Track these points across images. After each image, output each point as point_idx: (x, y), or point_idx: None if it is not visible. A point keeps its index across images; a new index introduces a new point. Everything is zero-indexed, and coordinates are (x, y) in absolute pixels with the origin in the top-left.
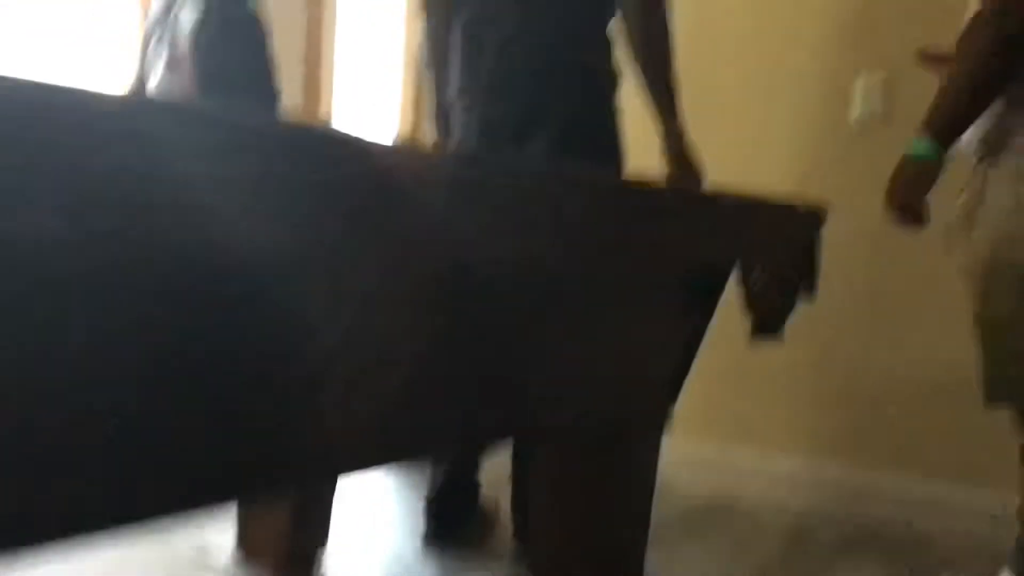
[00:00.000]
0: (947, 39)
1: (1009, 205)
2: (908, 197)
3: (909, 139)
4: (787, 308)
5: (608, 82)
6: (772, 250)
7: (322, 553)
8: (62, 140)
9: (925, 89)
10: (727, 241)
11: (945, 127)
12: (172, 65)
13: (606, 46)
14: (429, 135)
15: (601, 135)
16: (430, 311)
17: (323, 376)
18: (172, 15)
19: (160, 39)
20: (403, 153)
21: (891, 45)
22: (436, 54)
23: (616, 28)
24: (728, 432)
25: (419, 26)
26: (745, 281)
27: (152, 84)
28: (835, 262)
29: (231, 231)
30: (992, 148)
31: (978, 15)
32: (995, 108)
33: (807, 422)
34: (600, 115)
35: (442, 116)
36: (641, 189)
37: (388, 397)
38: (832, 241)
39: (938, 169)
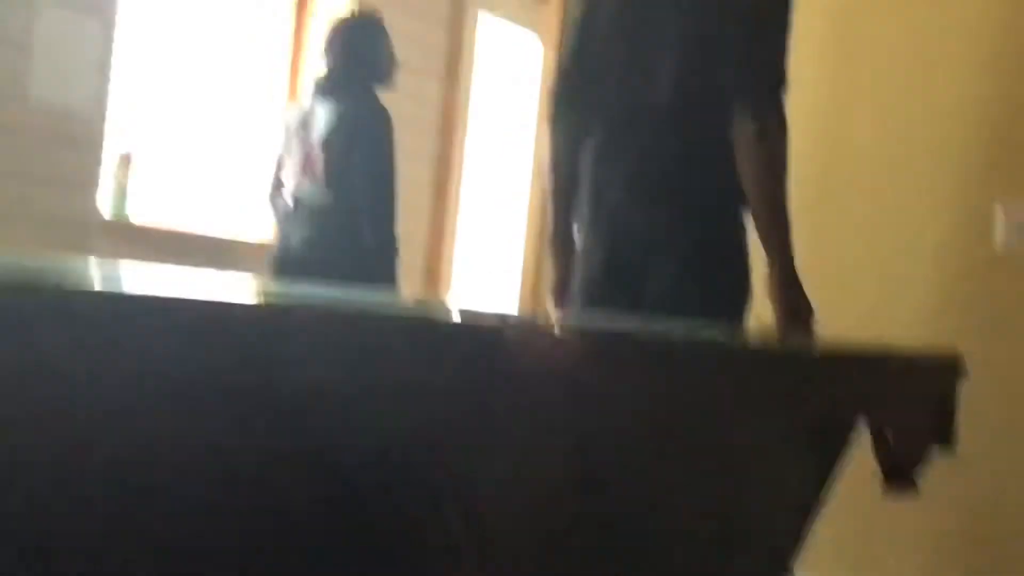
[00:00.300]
0: None
1: None
2: None
3: None
4: (921, 462)
5: (734, 207)
6: (901, 404)
7: None
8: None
9: None
10: (852, 396)
11: None
12: (305, 167)
13: (733, 171)
14: (550, 257)
15: (723, 269)
16: (563, 488)
17: (455, 555)
18: (307, 120)
19: (297, 143)
20: (526, 336)
21: None
22: (561, 180)
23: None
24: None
25: (546, 149)
26: (875, 434)
27: (286, 179)
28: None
29: (367, 421)
30: None
31: None
32: None
33: (938, 560)
34: (723, 246)
35: (564, 242)
36: (766, 351)
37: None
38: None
39: None
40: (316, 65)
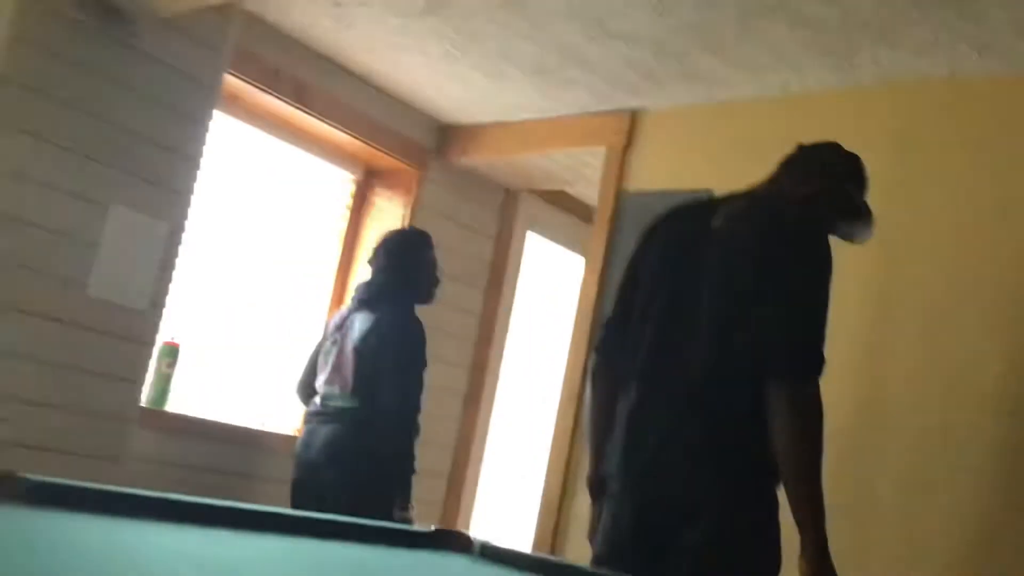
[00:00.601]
0: None
1: None
2: None
3: None
4: None
5: (765, 478)
6: None
7: None
8: None
9: None
10: None
11: None
12: (337, 367)
13: (763, 441)
14: (590, 500)
15: (751, 539)
16: None
17: None
18: (345, 326)
19: (332, 345)
20: None
21: None
22: (598, 433)
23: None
24: None
25: (587, 400)
26: None
27: (318, 383)
28: None
29: None
30: None
31: None
32: None
33: None
34: (753, 516)
35: (597, 485)
36: None
37: None
38: None
39: None
40: (363, 273)
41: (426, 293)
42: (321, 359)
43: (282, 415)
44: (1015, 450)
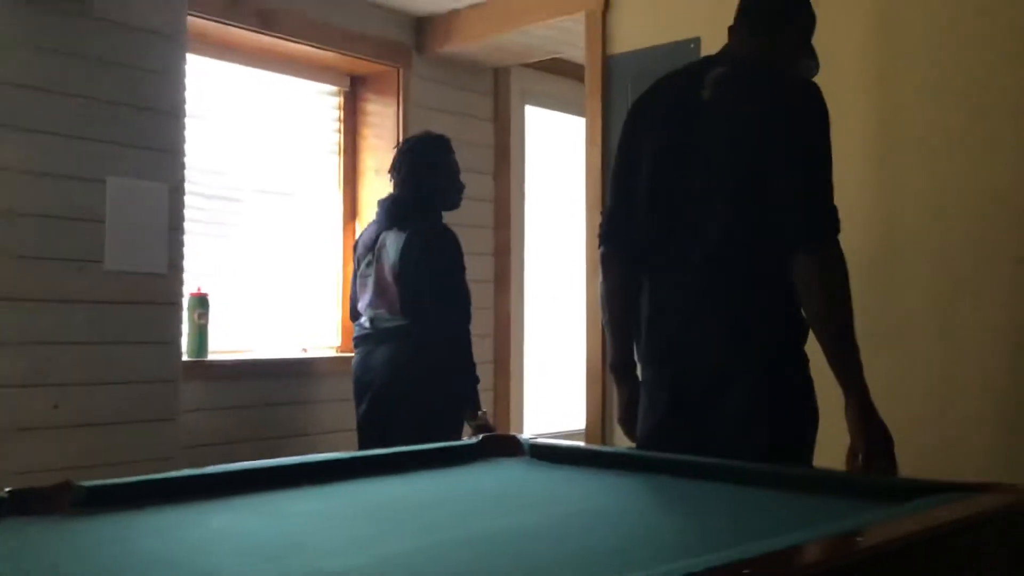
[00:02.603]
0: None
1: None
2: None
3: None
4: None
5: (792, 341)
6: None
7: None
8: None
9: None
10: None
11: None
12: (379, 291)
13: (787, 303)
14: (615, 386)
15: (788, 401)
16: None
17: None
18: (376, 248)
19: (367, 267)
20: None
21: None
22: (617, 313)
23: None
24: None
25: (598, 285)
26: None
27: (362, 305)
28: None
29: None
30: None
31: None
32: None
33: None
34: (787, 378)
35: (620, 369)
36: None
37: None
38: None
39: None
40: (372, 184)
41: (452, 200)
42: (359, 282)
43: (319, 339)
44: None
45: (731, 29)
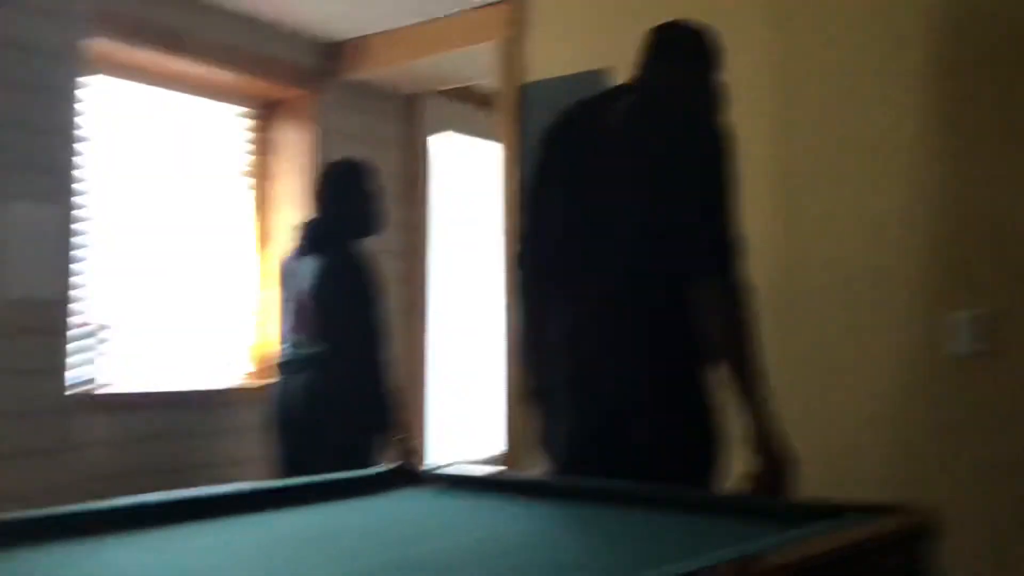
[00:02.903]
0: None
1: None
2: None
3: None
4: None
5: (698, 369)
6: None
7: None
8: None
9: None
10: None
11: None
12: (299, 316)
13: (690, 333)
14: (532, 414)
15: (697, 425)
16: None
17: None
18: (298, 272)
19: (289, 292)
20: None
21: (988, 280)
22: (529, 341)
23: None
24: None
25: (515, 314)
26: None
27: (285, 331)
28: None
29: None
30: None
31: None
32: None
33: None
34: (696, 404)
35: (536, 396)
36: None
37: None
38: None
39: None
40: (284, 210)
41: (372, 227)
42: (284, 307)
43: (230, 368)
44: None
45: (642, 62)
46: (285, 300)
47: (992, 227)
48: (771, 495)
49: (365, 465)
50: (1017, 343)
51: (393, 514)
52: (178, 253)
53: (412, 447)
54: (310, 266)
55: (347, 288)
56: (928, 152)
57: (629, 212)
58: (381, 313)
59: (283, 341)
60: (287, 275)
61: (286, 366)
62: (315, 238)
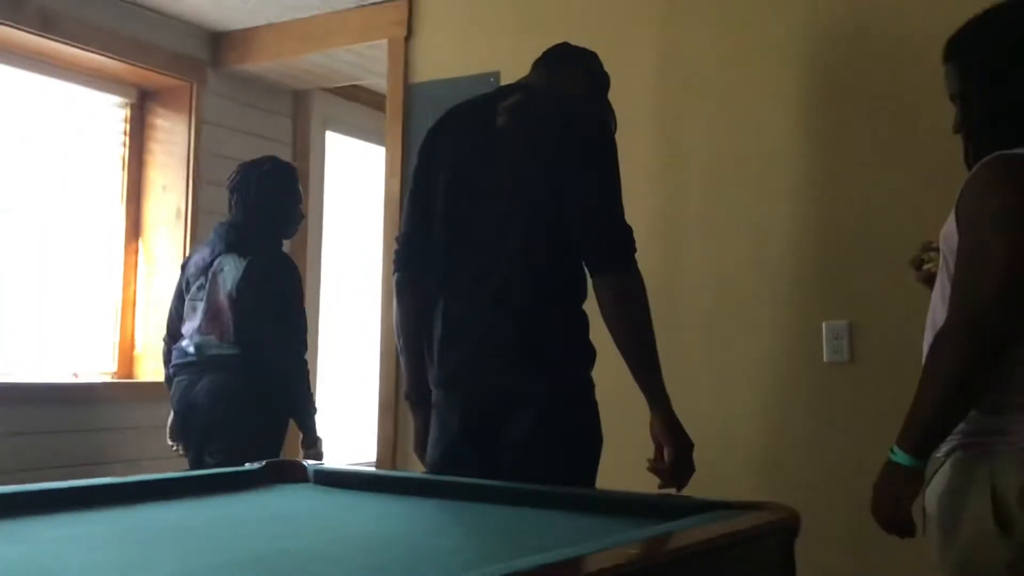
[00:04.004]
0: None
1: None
2: (892, 513)
3: (887, 449)
4: None
5: (579, 366)
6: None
7: None
8: None
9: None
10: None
11: (922, 443)
12: (211, 316)
13: (576, 331)
14: (410, 412)
15: (577, 418)
16: None
17: None
18: (211, 272)
19: (199, 290)
20: None
21: (853, 293)
22: (412, 340)
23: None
24: None
25: (394, 311)
26: None
27: (187, 330)
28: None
29: None
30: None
31: (948, 329)
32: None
33: None
34: (575, 396)
35: (415, 398)
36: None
37: None
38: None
39: (919, 479)
40: (157, 201)
41: (292, 229)
42: (188, 305)
43: (92, 363)
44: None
45: (530, 71)
46: (193, 299)
47: (856, 242)
48: (678, 480)
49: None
50: (875, 352)
51: (263, 509)
52: (42, 240)
53: (320, 453)
54: (228, 266)
55: (270, 289)
56: (808, 169)
57: (516, 209)
58: (302, 317)
59: (180, 338)
60: (196, 273)
61: (186, 367)
62: (234, 238)
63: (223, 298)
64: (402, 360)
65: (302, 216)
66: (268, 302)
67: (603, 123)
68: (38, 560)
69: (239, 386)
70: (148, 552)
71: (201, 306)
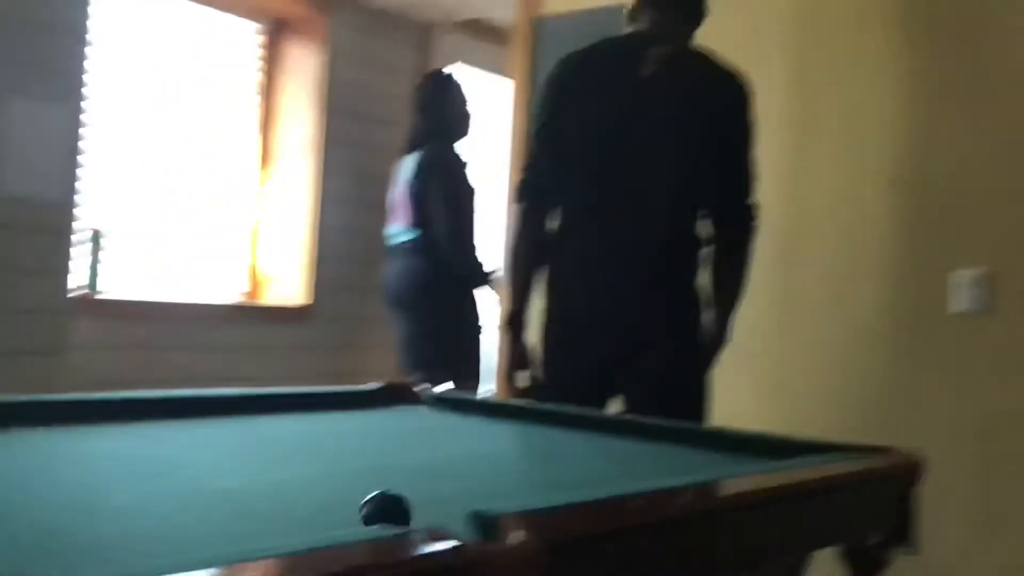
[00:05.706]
0: None
1: None
2: None
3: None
4: (881, 564)
5: (696, 308)
6: (863, 517)
7: None
8: None
9: None
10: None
11: None
12: (398, 206)
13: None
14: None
15: (695, 367)
16: None
17: None
18: (400, 169)
19: (393, 188)
20: None
21: (990, 240)
22: (523, 268)
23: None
24: None
25: (513, 230)
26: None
27: (390, 223)
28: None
29: None
30: None
31: None
32: None
33: None
34: (693, 345)
35: (517, 322)
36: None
37: None
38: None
39: None
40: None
41: (462, 129)
42: (389, 205)
43: (227, 284)
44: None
45: (649, 6)
46: (390, 197)
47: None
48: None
49: (460, 345)
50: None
51: (378, 427)
52: (180, 164)
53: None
54: (407, 163)
55: (433, 179)
56: (940, 110)
57: (668, 157)
58: (465, 200)
59: (389, 230)
60: (396, 171)
61: (390, 252)
62: (412, 140)
63: (404, 190)
64: (512, 284)
65: (468, 116)
66: (433, 188)
67: (749, 89)
68: (167, 459)
69: (421, 265)
70: (270, 457)
71: (394, 201)
